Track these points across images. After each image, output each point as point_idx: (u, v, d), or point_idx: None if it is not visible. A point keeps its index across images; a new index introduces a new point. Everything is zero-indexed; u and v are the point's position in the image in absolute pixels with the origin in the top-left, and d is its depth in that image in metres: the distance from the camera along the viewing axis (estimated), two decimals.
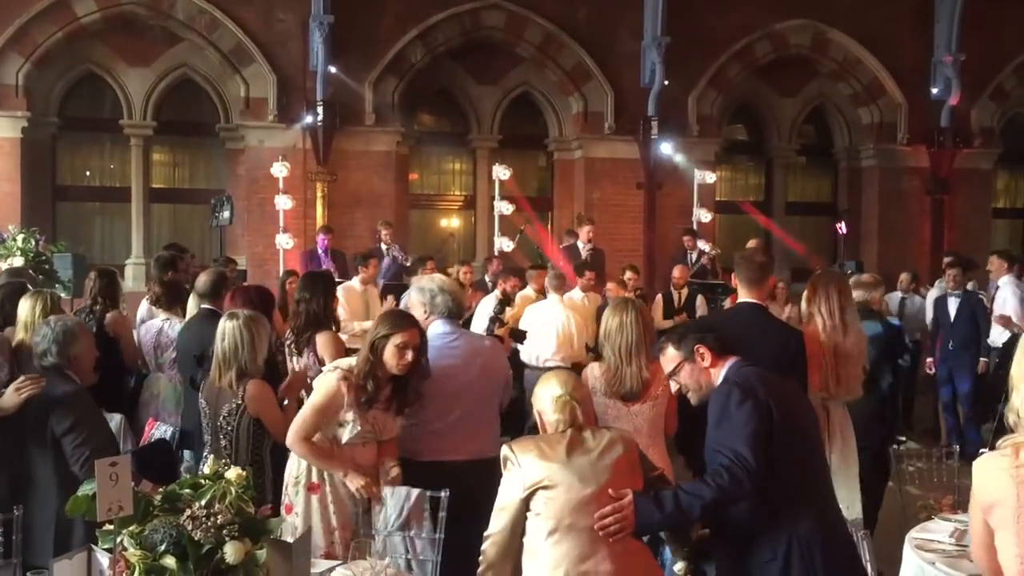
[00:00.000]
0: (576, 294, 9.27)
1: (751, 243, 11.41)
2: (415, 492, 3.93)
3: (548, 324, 8.10)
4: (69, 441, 3.96)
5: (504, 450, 3.22)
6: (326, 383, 3.99)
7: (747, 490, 3.02)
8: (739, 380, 3.23)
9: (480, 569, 3.20)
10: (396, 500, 3.92)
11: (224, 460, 2.98)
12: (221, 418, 4.24)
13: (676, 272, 10.66)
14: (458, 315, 4.60)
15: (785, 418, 3.14)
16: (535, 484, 3.11)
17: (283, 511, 3.94)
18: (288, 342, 5.29)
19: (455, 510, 3.82)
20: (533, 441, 3.25)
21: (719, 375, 3.32)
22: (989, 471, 2.21)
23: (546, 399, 3.31)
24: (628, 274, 10.17)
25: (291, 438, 3.98)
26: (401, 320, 4.11)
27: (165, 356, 6.05)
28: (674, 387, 3.51)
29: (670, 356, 3.43)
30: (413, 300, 4.60)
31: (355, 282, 8.88)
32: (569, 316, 8.24)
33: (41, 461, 4.00)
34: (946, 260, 10.34)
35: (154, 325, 6.19)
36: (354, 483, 3.89)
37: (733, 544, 3.17)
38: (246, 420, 4.21)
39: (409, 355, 3.97)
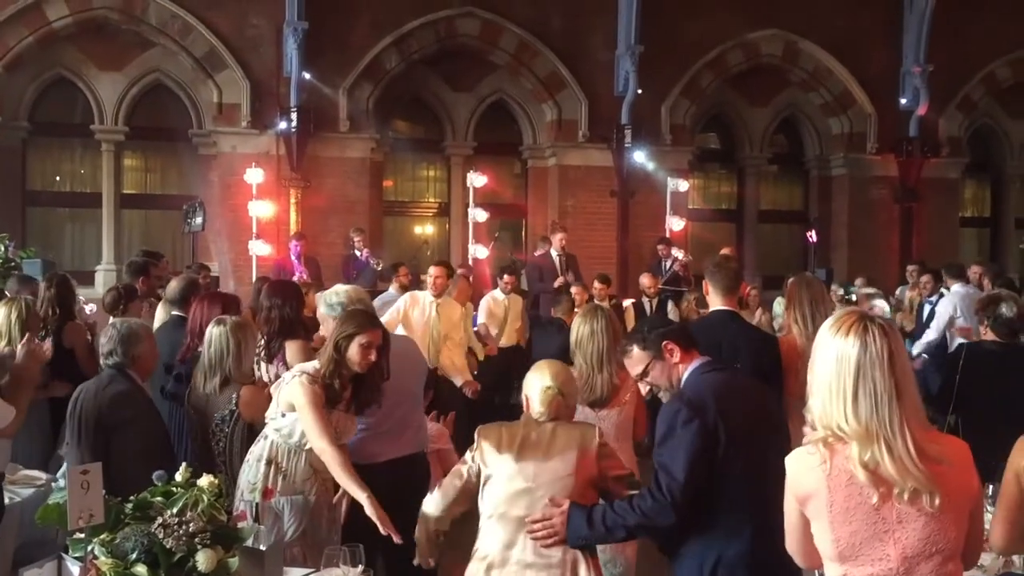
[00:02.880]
0: (498, 294, 9.66)
1: (724, 251, 11.50)
2: (312, 500, 3.96)
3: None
4: (119, 438, 4.00)
5: (477, 430, 3.46)
6: (300, 387, 3.90)
7: (670, 519, 3.04)
8: (691, 396, 3.18)
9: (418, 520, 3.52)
10: (294, 510, 3.93)
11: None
12: (214, 425, 4.23)
13: (645, 280, 10.75)
14: None
15: (736, 435, 3.08)
16: (483, 473, 3.38)
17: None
18: (258, 350, 5.28)
19: (389, 508, 3.85)
20: (498, 430, 3.44)
21: (686, 373, 3.29)
22: (802, 465, 2.37)
23: (535, 388, 3.47)
24: (597, 284, 10.18)
25: (324, 444, 3.79)
26: (366, 319, 4.12)
27: None
28: (644, 389, 3.50)
29: (637, 357, 3.37)
30: (322, 316, 4.56)
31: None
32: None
33: (92, 457, 3.89)
34: (911, 268, 10.51)
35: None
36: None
37: (670, 554, 3.21)
38: (240, 426, 4.23)
39: (373, 354, 4.00)
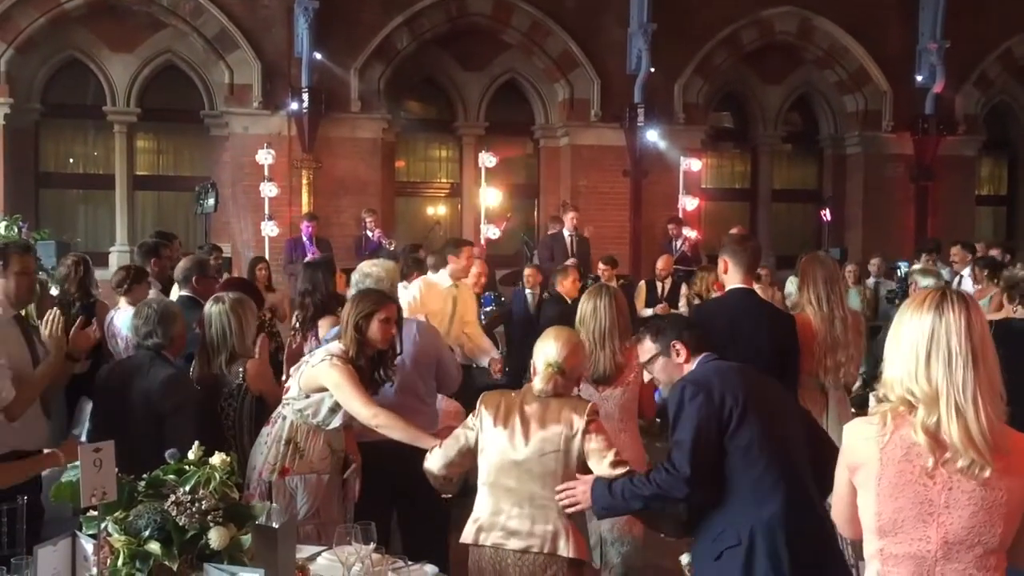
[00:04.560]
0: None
1: (735, 230, 11.43)
2: (325, 478, 4.00)
3: None
4: (171, 423, 3.98)
5: (481, 396, 3.58)
6: (334, 369, 3.95)
7: (682, 491, 3.15)
8: (695, 376, 3.31)
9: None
10: (307, 489, 3.97)
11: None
12: (223, 400, 4.26)
13: (660, 263, 10.62)
14: None
15: (747, 405, 3.18)
16: (480, 439, 3.51)
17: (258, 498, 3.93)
18: (296, 324, 5.53)
19: (402, 489, 3.92)
20: (499, 398, 3.53)
21: (690, 367, 3.42)
22: (858, 435, 2.37)
23: (539, 360, 3.52)
24: (601, 266, 10.06)
25: (369, 414, 3.90)
26: (381, 295, 4.22)
27: None
28: (647, 377, 3.63)
29: (647, 348, 3.51)
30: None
31: (442, 276, 7.04)
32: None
33: (147, 441, 3.81)
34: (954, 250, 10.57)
35: None
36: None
37: (704, 529, 3.25)
38: (249, 399, 4.26)
39: (392, 329, 4.11)
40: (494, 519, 3.42)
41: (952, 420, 2.22)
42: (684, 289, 10.29)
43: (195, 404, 4.21)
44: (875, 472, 2.29)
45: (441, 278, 6.85)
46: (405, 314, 6.01)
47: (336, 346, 4.08)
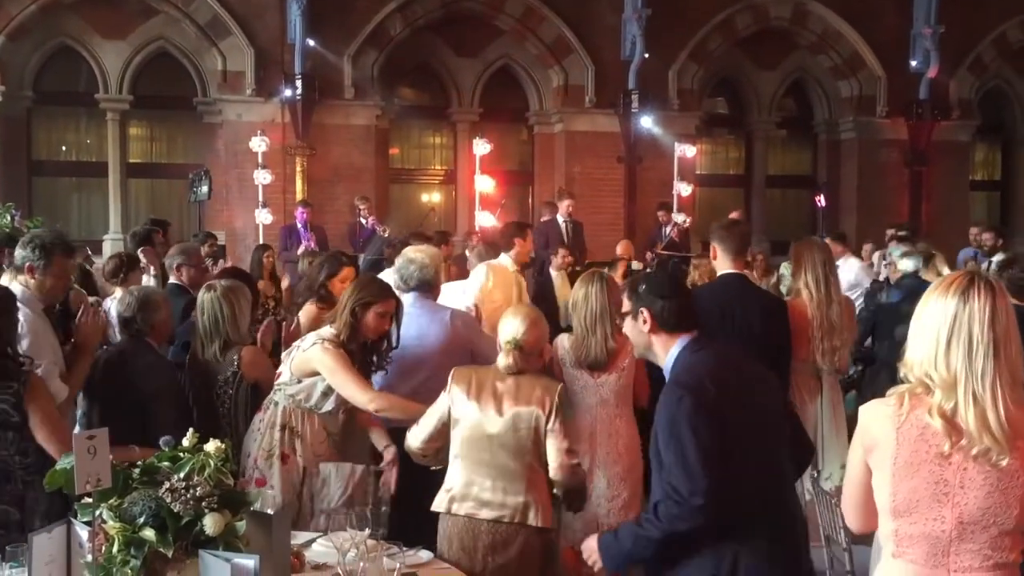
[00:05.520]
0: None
1: (733, 215, 11.44)
2: (359, 468, 3.97)
3: None
4: (151, 409, 3.99)
5: (452, 372, 3.67)
6: (325, 353, 3.96)
7: (698, 518, 2.75)
8: (691, 382, 2.87)
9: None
10: (340, 476, 3.95)
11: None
12: (218, 388, 4.27)
13: (619, 248, 10.28)
14: (424, 288, 4.72)
15: (739, 419, 2.84)
16: (453, 415, 3.59)
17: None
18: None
19: (411, 475, 3.94)
20: (470, 374, 3.64)
21: (669, 351, 3.01)
22: (874, 416, 2.35)
23: (500, 339, 3.63)
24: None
25: (366, 399, 3.94)
26: (383, 289, 4.21)
27: None
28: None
29: (624, 304, 3.17)
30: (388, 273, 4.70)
31: (505, 260, 6.74)
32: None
33: (127, 427, 3.76)
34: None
35: None
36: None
37: (682, 555, 2.87)
38: (244, 387, 4.27)
39: (387, 323, 4.12)
40: (467, 490, 3.53)
41: (969, 407, 2.21)
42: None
43: (176, 390, 4.23)
44: (891, 452, 2.28)
45: (505, 262, 6.61)
46: (472, 300, 5.97)
47: (328, 330, 4.08)
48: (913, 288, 5.92)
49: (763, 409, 2.99)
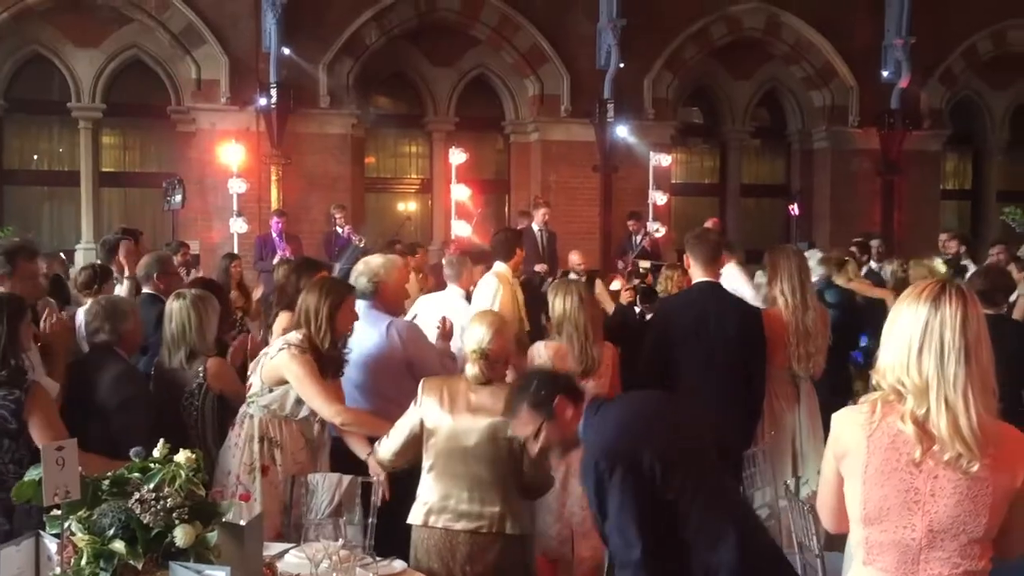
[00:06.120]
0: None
1: (708, 223, 11.49)
2: (347, 478, 3.95)
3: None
4: (119, 419, 3.95)
5: (421, 383, 3.67)
6: (292, 359, 3.93)
7: (642, 569, 2.78)
8: (603, 446, 2.89)
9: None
10: (328, 486, 3.93)
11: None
12: (184, 399, 4.23)
13: (574, 258, 10.16)
14: (369, 296, 4.62)
15: (666, 455, 2.84)
16: (427, 427, 3.58)
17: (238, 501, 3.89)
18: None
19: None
20: (440, 385, 3.64)
21: (579, 424, 3.04)
22: (846, 423, 2.37)
23: (466, 347, 3.66)
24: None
25: (332, 412, 3.93)
26: (345, 285, 4.31)
27: None
28: (535, 449, 3.25)
29: (525, 417, 3.12)
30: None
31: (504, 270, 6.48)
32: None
33: (95, 438, 3.77)
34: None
35: None
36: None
37: None
38: (210, 398, 4.26)
39: (355, 316, 4.16)
40: (444, 503, 3.54)
41: (941, 413, 2.22)
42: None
43: (145, 400, 4.20)
44: (862, 460, 2.30)
45: (504, 271, 6.28)
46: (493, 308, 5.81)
47: (294, 335, 4.04)
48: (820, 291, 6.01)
49: (689, 435, 3.05)
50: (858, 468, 2.31)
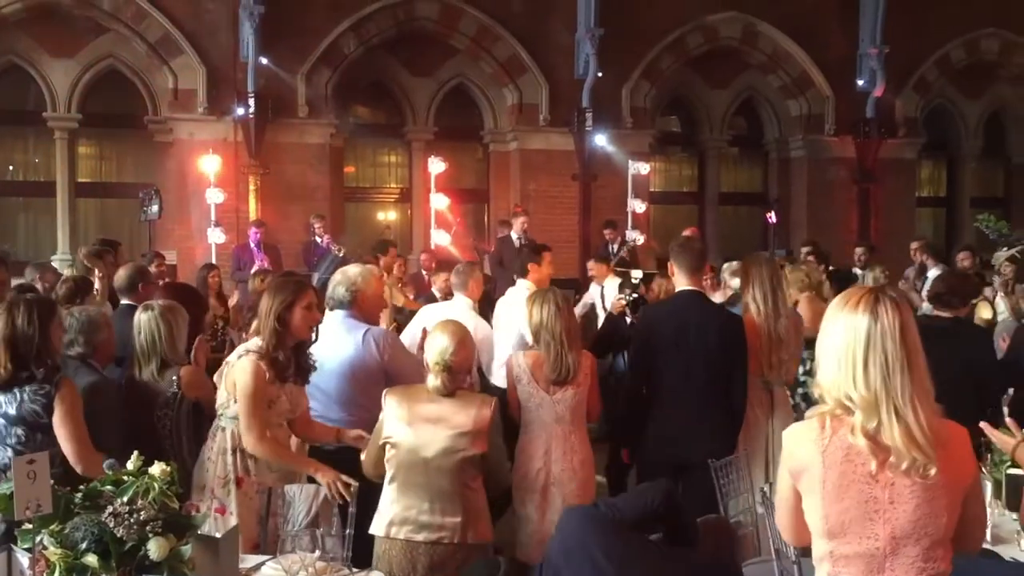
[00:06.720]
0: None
1: (687, 232, 11.53)
2: (324, 489, 3.89)
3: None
4: (99, 430, 3.89)
5: (384, 393, 3.70)
6: (244, 369, 3.86)
7: None
8: None
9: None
10: (305, 497, 3.90)
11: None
12: (159, 410, 4.20)
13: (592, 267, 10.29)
14: (345, 306, 4.59)
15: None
16: (386, 437, 3.61)
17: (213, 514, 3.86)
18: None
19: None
20: (403, 394, 3.66)
21: None
22: (799, 440, 2.37)
23: (428, 356, 3.66)
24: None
25: (251, 441, 3.83)
26: (298, 284, 4.14)
27: None
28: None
29: None
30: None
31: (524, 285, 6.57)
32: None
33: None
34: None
35: None
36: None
37: None
38: (185, 407, 4.23)
39: (316, 314, 4.08)
40: (406, 514, 3.56)
41: (893, 425, 2.23)
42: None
43: (118, 412, 4.17)
44: (819, 475, 2.30)
45: (524, 286, 6.22)
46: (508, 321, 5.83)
47: (256, 342, 3.98)
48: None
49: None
50: (816, 484, 2.31)
